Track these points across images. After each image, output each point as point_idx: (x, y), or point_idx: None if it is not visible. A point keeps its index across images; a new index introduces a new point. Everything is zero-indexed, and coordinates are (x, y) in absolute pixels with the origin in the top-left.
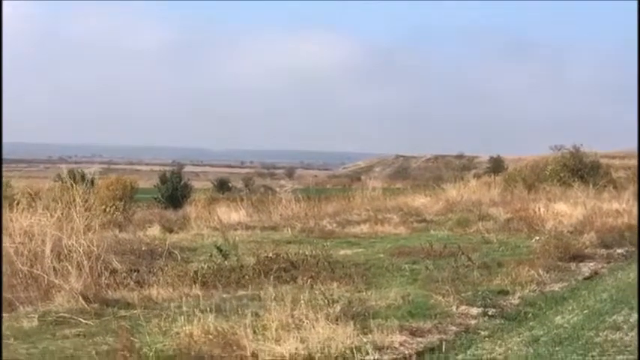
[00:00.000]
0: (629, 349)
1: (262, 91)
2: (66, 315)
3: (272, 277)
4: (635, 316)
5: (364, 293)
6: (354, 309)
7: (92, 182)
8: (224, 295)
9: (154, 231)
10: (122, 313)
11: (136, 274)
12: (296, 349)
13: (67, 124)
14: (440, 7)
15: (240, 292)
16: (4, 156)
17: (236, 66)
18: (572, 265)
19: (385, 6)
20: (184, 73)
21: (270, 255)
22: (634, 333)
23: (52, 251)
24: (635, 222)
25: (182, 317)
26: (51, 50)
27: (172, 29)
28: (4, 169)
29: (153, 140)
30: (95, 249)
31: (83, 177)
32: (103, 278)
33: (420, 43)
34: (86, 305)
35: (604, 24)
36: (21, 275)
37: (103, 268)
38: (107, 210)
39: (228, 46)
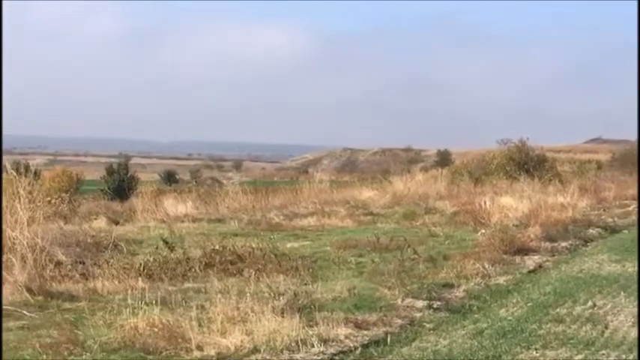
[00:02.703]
0: (571, 341)
1: (211, 83)
2: (9, 308)
3: (218, 269)
4: (578, 308)
5: (310, 286)
6: (300, 302)
7: (37, 174)
8: (170, 288)
9: (100, 223)
10: (66, 305)
11: (81, 266)
12: (241, 341)
13: (11, 114)
14: None
15: (186, 285)
16: None
17: (186, 57)
18: (517, 259)
19: None
20: (132, 64)
21: (217, 247)
22: (576, 326)
23: None
24: (579, 216)
25: (127, 310)
26: None
27: (125, 19)
28: None
29: (99, 132)
30: (39, 241)
31: (28, 168)
32: (48, 270)
33: (374, 34)
34: (30, 298)
35: (561, 17)
36: None
37: (47, 260)
38: (52, 202)
39: (179, 38)
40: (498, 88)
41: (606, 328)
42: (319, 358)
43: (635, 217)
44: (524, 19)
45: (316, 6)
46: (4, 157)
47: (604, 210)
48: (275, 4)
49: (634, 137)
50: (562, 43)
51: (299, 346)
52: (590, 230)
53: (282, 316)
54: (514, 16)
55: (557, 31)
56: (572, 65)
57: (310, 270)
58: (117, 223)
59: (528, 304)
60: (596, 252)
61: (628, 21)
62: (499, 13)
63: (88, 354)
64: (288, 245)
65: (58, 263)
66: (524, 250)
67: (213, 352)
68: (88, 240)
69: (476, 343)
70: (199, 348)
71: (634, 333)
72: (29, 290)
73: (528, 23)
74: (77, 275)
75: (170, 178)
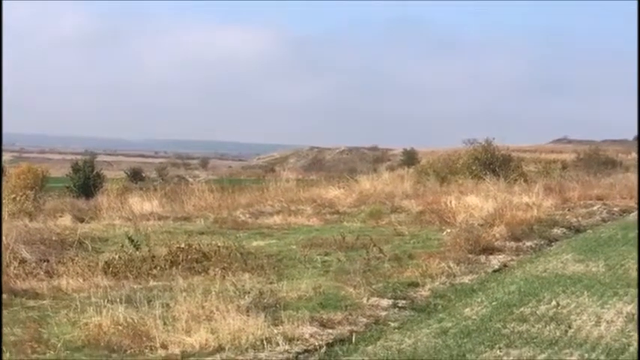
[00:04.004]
0: (535, 340)
1: (179, 81)
2: None
3: (184, 268)
4: (542, 308)
5: (276, 284)
6: (265, 300)
7: (2, 171)
8: (135, 286)
9: (65, 221)
10: (31, 303)
11: (45, 264)
12: (206, 340)
13: None
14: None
15: (152, 283)
16: None
17: (153, 57)
18: (482, 258)
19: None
20: (100, 62)
21: (182, 246)
22: (540, 325)
23: None
24: (544, 216)
25: (91, 308)
26: None
27: (92, 17)
28: None
29: (66, 129)
30: (4, 238)
31: None
32: (12, 268)
33: (340, 36)
34: None
35: (521, 20)
36: None
37: (11, 257)
38: (17, 199)
39: (145, 37)
40: (464, 89)
41: (569, 327)
42: (284, 356)
43: (599, 217)
44: (488, 22)
45: (282, 8)
46: None
47: (568, 210)
48: (241, 6)
49: (598, 138)
50: (525, 45)
51: (264, 344)
52: (555, 230)
53: (248, 315)
54: (478, 20)
55: (520, 35)
56: (536, 68)
57: (276, 269)
58: (82, 221)
59: (493, 304)
60: (560, 252)
61: (590, 25)
62: (464, 18)
63: (52, 352)
64: (254, 244)
65: (23, 261)
66: (489, 250)
67: (177, 351)
68: (53, 238)
69: (440, 342)
70: (164, 346)
71: (597, 332)
72: None
73: (491, 27)
74: (41, 273)
75: (136, 175)
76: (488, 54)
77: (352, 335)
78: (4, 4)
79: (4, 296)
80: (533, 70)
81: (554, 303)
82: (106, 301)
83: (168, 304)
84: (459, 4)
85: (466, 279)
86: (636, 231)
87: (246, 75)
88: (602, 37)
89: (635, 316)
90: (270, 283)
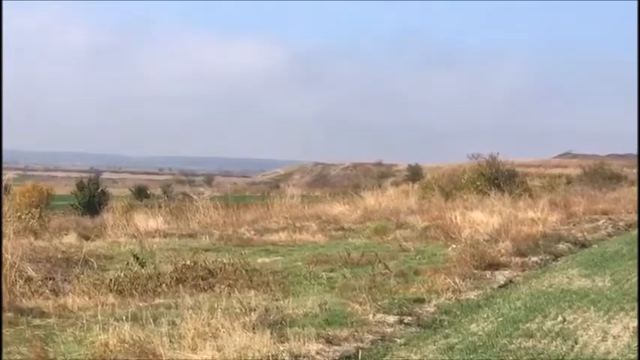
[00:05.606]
0: (541, 356)
1: (182, 97)
2: None
3: (189, 285)
4: (548, 323)
5: (281, 301)
6: (271, 317)
7: (7, 189)
8: (140, 304)
9: (71, 238)
10: (37, 322)
11: (51, 282)
12: (212, 357)
13: None
14: (367, 13)
15: (157, 301)
16: None
17: (157, 71)
18: (488, 274)
19: (313, 13)
20: (103, 78)
21: (188, 263)
22: (547, 340)
23: None
24: (549, 231)
25: (97, 326)
26: None
27: (96, 32)
28: None
29: (70, 146)
30: (9, 257)
31: None
32: (18, 286)
33: (345, 50)
34: None
35: (528, 30)
36: None
37: (17, 276)
38: (22, 217)
39: (150, 51)
40: (468, 103)
41: (576, 342)
42: None
43: (604, 232)
44: (490, 35)
45: (286, 22)
46: None
47: (574, 225)
48: (244, 19)
49: (603, 152)
50: (529, 58)
51: None
52: (560, 245)
53: (253, 332)
54: (480, 32)
55: (522, 47)
56: (541, 80)
57: (281, 285)
58: (87, 239)
59: (499, 319)
60: (566, 267)
61: (594, 37)
62: (465, 30)
63: None
64: (260, 260)
65: (28, 279)
66: (494, 265)
67: None
68: (59, 256)
69: (447, 358)
70: None
71: (603, 347)
72: None
73: (493, 40)
74: (47, 291)
75: (141, 193)
76: (491, 67)
77: (358, 352)
78: (8, 15)
79: (10, 314)
80: (536, 82)
81: (560, 318)
82: (112, 319)
83: (174, 322)
84: (462, 16)
85: (472, 295)
86: None
87: (251, 90)
88: (605, 48)
89: None
90: (276, 299)
